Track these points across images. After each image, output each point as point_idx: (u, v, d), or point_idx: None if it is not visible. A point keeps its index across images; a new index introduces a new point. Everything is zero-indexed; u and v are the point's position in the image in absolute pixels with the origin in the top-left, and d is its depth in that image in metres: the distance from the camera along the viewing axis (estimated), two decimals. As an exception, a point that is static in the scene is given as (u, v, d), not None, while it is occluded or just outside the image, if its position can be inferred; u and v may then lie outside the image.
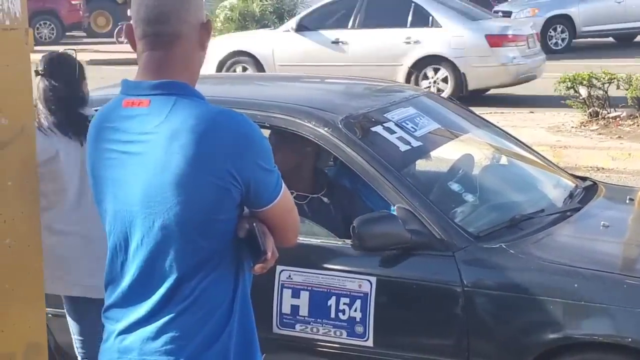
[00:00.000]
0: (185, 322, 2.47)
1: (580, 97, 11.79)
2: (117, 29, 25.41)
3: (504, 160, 5.19)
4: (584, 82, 11.56)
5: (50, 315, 4.15)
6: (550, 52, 21.51)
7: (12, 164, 2.84)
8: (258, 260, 2.49)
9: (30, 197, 2.91)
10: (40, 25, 26.77)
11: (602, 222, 4.39)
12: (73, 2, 27.66)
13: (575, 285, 3.80)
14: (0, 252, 2.84)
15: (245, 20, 23.42)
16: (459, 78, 14.06)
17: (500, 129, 5.53)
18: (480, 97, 14.23)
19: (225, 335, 2.51)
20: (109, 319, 2.60)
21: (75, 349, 4.19)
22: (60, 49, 4.30)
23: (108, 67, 19.75)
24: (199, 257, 2.45)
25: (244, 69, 15.56)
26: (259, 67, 15.61)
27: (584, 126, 11.69)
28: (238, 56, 15.78)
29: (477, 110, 5.73)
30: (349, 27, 15.15)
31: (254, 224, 2.48)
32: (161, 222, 2.43)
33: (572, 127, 11.75)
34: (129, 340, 2.52)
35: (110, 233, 2.56)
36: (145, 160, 2.43)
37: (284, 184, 2.54)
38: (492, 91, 14.87)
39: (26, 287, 2.97)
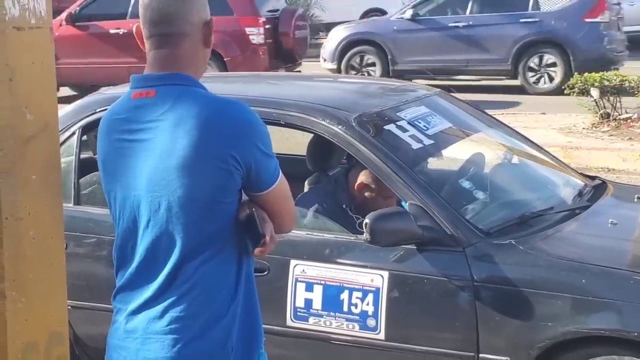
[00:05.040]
0: (190, 303, 2.58)
1: (592, 99, 11.83)
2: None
3: (514, 158, 5.24)
4: (596, 84, 11.60)
5: (69, 307, 4.23)
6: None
7: (36, 158, 2.89)
8: (257, 244, 2.60)
9: (53, 190, 2.97)
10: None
11: (610, 220, 4.44)
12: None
13: (583, 280, 3.86)
14: (24, 243, 2.89)
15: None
16: None
17: (511, 128, 5.59)
18: (492, 99, 14.27)
19: (229, 316, 2.62)
20: (119, 302, 2.72)
21: None
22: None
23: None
24: (202, 238, 2.57)
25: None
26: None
27: (595, 127, 11.72)
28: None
29: (489, 112, 5.79)
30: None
31: (254, 209, 2.60)
32: (166, 204, 2.55)
33: (584, 128, 11.79)
34: (136, 321, 2.65)
35: (119, 219, 2.68)
36: (152, 145, 2.57)
37: (281, 172, 2.66)
38: (504, 93, 14.92)
39: (49, 278, 3.02)
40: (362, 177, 4.50)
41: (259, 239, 2.60)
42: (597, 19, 15.09)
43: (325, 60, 16.70)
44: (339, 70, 16.26)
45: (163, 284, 2.60)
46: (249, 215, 2.60)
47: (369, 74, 15.87)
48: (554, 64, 15.10)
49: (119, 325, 2.71)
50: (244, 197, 2.64)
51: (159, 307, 2.61)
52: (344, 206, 4.51)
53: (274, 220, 2.67)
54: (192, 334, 2.59)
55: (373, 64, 16.23)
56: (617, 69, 14.84)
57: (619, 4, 16.28)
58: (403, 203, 4.18)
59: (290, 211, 2.77)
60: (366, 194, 4.52)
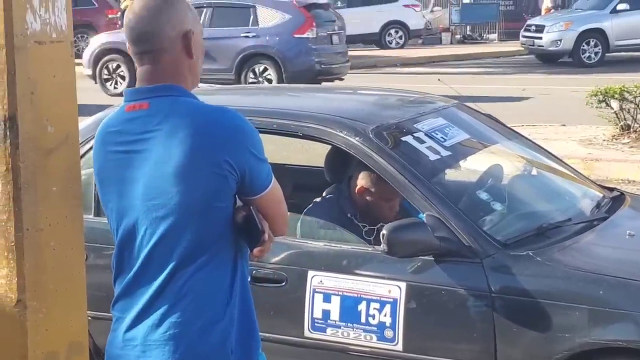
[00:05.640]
0: (186, 308, 2.65)
1: (612, 111, 11.80)
2: None
3: (532, 170, 5.25)
4: (616, 96, 11.57)
5: (89, 317, 4.26)
6: (584, 66, 21.54)
7: (57, 170, 2.93)
8: (257, 242, 2.66)
9: (73, 201, 3.01)
10: (77, 38, 26.98)
11: (627, 232, 4.44)
12: (110, 16, 27.87)
13: (601, 292, 3.87)
14: (45, 254, 2.93)
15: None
16: None
17: (529, 140, 5.60)
18: (512, 111, 14.26)
19: (227, 319, 2.68)
20: (117, 310, 2.79)
21: None
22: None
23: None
24: (198, 244, 2.63)
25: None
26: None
27: (616, 139, 11.68)
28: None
29: (509, 123, 5.81)
30: None
31: (251, 208, 2.67)
32: (163, 212, 2.62)
33: (604, 140, 11.75)
34: (134, 330, 2.71)
35: (117, 229, 2.75)
36: (148, 156, 2.64)
37: (274, 177, 2.73)
38: (523, 105, 14.88)
39: (69, 288, 3.06)
40: (362, 181, 4.51)
41: (258, 238, 2.66)
42: (305, 35, 16.82)
43: (84, 66, 18.09)
44: (94, 77, 18.01)
45: (157, 290, 2.67)
46: (247, 216, 2.66)
47: (117, 81, 17.79)
48: (270, 74, 16.78)
49: (117, 333, 2.77)
50: (238, 202, 2.70)
51: (157, 314, 2.67)
52: (348, 215, 4.53)
53: (269, 223, 2.73)
54: (191, 339, 2.65)
55: (120, 68, 17.76)
56: (342, 79, 17.24)
57: (333, 21, 17.95)
58: (420, 214, 4.20)
59: (283, 215, 2.84)
60: (367, 197, 4.52)
